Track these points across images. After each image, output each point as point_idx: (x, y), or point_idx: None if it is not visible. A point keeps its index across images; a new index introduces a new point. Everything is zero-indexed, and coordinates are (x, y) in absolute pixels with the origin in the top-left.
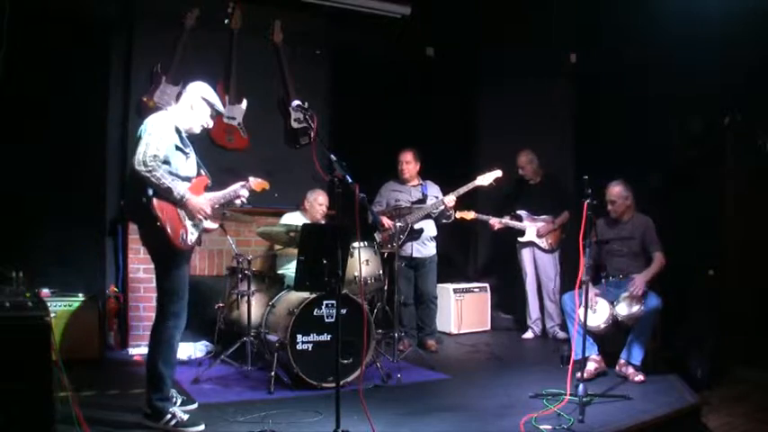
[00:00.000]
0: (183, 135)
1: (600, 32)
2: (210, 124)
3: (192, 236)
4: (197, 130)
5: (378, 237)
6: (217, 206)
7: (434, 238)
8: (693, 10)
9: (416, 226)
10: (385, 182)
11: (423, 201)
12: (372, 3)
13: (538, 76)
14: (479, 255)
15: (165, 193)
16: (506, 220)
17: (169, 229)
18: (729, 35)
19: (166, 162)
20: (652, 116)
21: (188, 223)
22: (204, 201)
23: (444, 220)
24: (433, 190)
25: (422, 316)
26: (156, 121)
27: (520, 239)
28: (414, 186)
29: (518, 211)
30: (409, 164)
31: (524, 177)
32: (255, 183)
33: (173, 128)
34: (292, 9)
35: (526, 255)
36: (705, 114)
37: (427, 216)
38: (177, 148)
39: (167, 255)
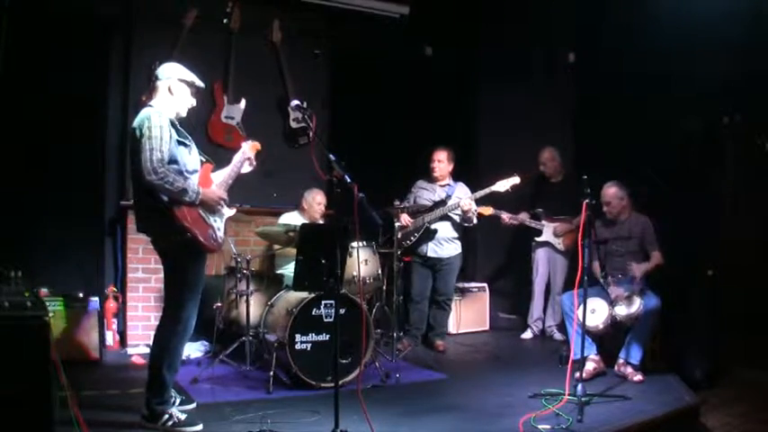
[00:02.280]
0: (179, 126)
1: (600, 32)
2: (194, 103)
3: (220, 231)
4: (184, 114)
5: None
6: (230, 184)
7: (455, 239)
8: (693, 10)
9: (432, 226)
10: (384, 181)
11: (445, 202)
12: (371, 2)
13: (537, 76)
14: (479, 254)
15: (180, 196)
16: (524, 218)
17: (199, 235)
18: (729, 35)
19: (174, 161)
20: (652, 116)
21: (212, 221)
22: (217, 189)
23: (466, 224)
24: (461, 191)
25: (435, 316)
26: (152, 122)
27: (537, 239)
28: (442, 186)
29: (537, 210)
30: (441, 162)
31: (545, 174)
32: (250, 146)
33: (168, 123)
34: (291, 9)
35: (542, 254)
36: (705, 114)
37: (446, 217)
38: (179, 142)
39: (189, 258)
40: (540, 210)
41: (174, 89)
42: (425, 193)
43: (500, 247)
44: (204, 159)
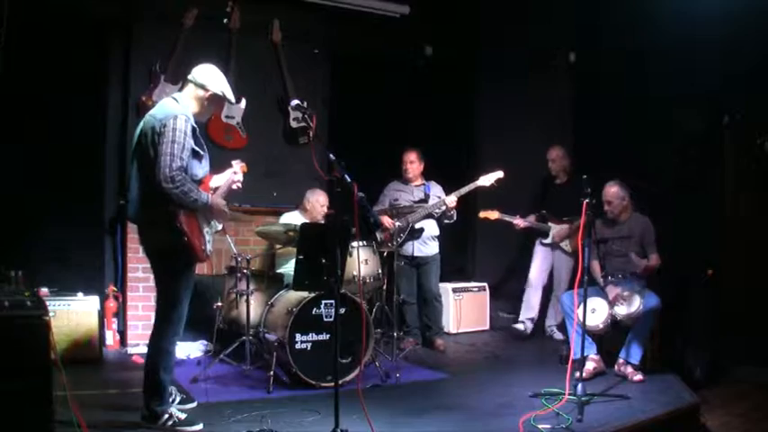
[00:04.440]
0: (198, 133)
1: (600, 32)
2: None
3: (210, 244)
4: (203, 120)
5: (379, 236)
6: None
7: (437, 237)
8: (693, 9)
9: (417, 225)
10: (384, 181)
11: (425, 200)
12: (371, 2)
13: (537, 76)
14: (479, 254)
15: (191, 205)
16: (531, 220)
17: (194, 244)
18: (729, 35)
19: (185, 170)
20: (652, 116)
21: (205, 232)
22: (221, 200)
23: (446, 221)
24: (436, 190)
25: (428, 315)
26: (178, 125)
27: (543, 241)
28: (417, 186)
29: (543, 212)
30: (413, 163)
31: (551, 173)
32: (241, 167)
33: (191, 130)
34: (291, 8)
35: (546, 254)
36: (705, 114)
37: (429, 216)
38: (194, 152)
39: (179, 263)
40: (545, 211)
41: (207, 102)
42: (403, 195)
43: (500, 247)
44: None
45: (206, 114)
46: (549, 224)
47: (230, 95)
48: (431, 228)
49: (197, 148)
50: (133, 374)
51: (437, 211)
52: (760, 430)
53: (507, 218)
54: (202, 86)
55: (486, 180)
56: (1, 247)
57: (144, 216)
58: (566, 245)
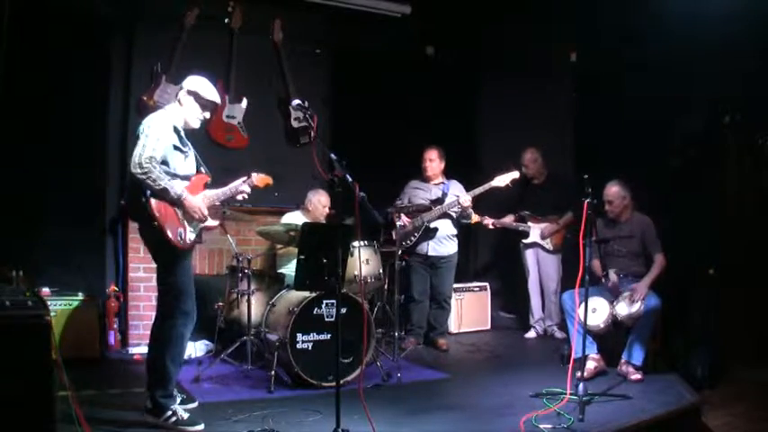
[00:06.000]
0: (182, 134)
1: (600, 32)
2: (207, 116)
3: (191, 234)
4: (196, 125)
5: (393, 234)
6: (217, 203)
7: (454, 236)
8: (694, 10)
9: (432, 225)
10: (385, 180)
11: (441, 200)
12: (372, 2)
13: (537, 75)
14: (479, 254)
15: (162, 194)
16: (509, 221)
17: (167, 229)
18: (730, 35)
19: (164, 162)
20: (652, 116)
21: (185, 222)
22: (200, 200)
23: (464, 220)
24: (455, 189)
25: (435, 316)
26: (154, 122)
27: (524, 241)
28: (436, 185)
29: (522, 212)
30: (433, 162)
31: (528, 176)
32: (258, 178)
33: (171, 127)
34: (292, 8)
35: (530, 255)
36: (705, 114)
37: (445, 215)
38: (175, 147)
39: (167, 253)
40: (527, 212)
41: (182, 100)
42: (421, 193)
43: (501, 247)
44: (204, 171)
45: (197, 118)
46: (529, 224)
47: (214, 97)
48: (447, 227)
49: (178, 144)
50: (134, 374)
51: (454, 210)
52: (761, 430)
53: (485, 219)
54: (181, 88)
55: (502, 180)
56: (1, 247)
57: (130, 210)
58: (547, 243)
